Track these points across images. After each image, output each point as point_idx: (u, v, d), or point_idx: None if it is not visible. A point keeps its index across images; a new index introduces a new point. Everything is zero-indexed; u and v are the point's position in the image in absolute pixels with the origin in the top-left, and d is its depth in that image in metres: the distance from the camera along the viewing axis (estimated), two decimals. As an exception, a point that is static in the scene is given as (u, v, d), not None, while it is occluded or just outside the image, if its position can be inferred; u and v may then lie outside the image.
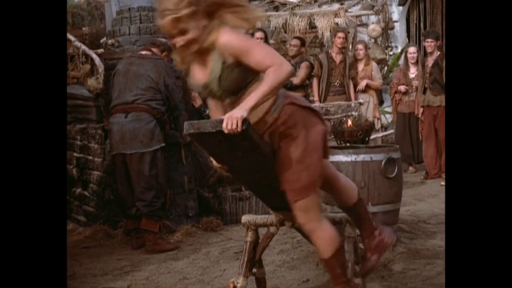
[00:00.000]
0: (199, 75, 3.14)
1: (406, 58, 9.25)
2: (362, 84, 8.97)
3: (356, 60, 9.20)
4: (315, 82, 8.89)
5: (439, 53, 8.39)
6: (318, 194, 3.25)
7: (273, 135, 3.17)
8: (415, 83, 8.92)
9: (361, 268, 3.69)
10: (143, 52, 5.85)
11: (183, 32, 2.98)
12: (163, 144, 5.70)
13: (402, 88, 9.02)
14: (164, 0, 2.99)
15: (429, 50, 8.55)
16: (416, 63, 9.01)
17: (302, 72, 8.84)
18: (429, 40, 8.55)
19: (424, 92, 8.50)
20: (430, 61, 8.49)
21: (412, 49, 9.17)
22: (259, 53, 3.00)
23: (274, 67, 2.97)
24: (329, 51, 9.05)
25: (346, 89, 8.86)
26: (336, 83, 8.82)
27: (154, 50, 5.84)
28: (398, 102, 9.17)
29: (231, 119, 2.86)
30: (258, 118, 3.10)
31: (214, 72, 3.05)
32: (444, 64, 7.99)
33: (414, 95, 8.94)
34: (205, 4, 2.99)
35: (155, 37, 6.09)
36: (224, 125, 2.87)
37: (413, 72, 9.05)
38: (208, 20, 3.02)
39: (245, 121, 2.87)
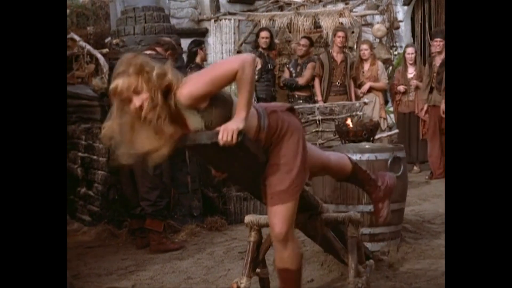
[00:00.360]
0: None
1: (404, 58, 9.28)
2: (365, 87, 8.98)
3: (361, 60, 9.19)
4: (317, 82, 8.88)
5: None
6: (296, 204, 3.25)
7: (270, 146, 3.20)
8: (413, 82, 8.98)
9: (376, 218, 3.85)
10: (148, 52, 5.83)
11: (137, 92, 2.96)
12: None
13: (401, 88, 9.07)
14: (117, 67, 3.05)
15: (437, 49, 8.56)
16: (415, 63, 9.06)
17: (308, 72, 8.85)
18: (437, 39, 8.56)
19: (431, 92, 8.50)
20: (438, 60, 8.48)
21: (410, 50, 9.20)
22: (219, 74, 2.97)
23: (240, 70, 2.94)
24: (330, 50, 9.03)
25: (347, 89, 8.84)
26: (337, 83, 8.81)
27: (159, 49, 5.84)
28: (398, 102, 9.20)
29: (227, 131, 2.88)
30: (252, 138, 3.12)
31: (197, 125, 3.00)
32: None
33: (413, 94, 8.99)
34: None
35: (160, 37, 6.09)
36: (220, 137, 2.88)
37: (411, 72, 9.12)
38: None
39: (240, 132, 2.87)
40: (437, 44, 8.55)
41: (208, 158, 3.25)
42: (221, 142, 2.89)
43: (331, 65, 8.79)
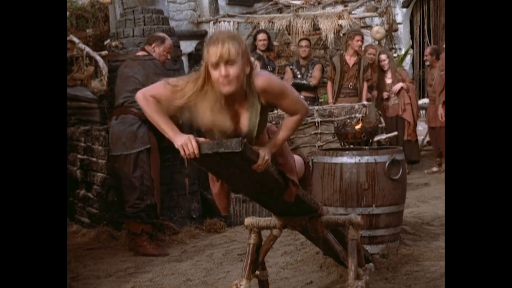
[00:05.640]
0: (228, 123, 3.12)
1: (379, 65, 9.37)
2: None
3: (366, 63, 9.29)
4: (329, 84, 8.90)
5: None
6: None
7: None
8: (394, 88, 9.21)
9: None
10: (138, 53, 5.88)
11: (231, 63, 2.97)
12: (148, 146, 5.63)
13: (384, 94, 9.28)
14: (220, 32, 3.13)
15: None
16: (389, 69, 9.18)
17: (317, 73, 8.87)
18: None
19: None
20: None
21: (382, 57, 9.35)
22: (292, 98, 3.19)
23: (300, 115, 3.24)
24: (343, 53, 9.01)
25: (358, 92, 8.82)
26: (349, 86, 8.79)
27: (148, 48, 5.83)
28: (386, 108, 9.30)
29: (267, 162, 3.07)
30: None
31: (253, 118, 3.13)
32: None
33: (396, 98, 9.21)
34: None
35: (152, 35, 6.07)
36: (259, 162, 3.03)
37: (389, 77, 9.21)
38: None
39: (242, 142, 2.89)
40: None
41: (208, 166, 3.25)
42: (257, 168, 3.05)
43: (343, 68, 8.78)
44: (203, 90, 3.02)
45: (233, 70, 2.96)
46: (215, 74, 2.97)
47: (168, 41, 5.89)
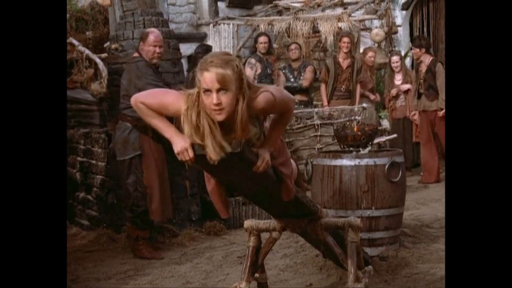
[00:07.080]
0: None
1: (390, 66, 9.39)
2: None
3: (367, 66, 9.28)
4: (323, 87, 8.92)
5: (431, 58, 8.49)
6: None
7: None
8: (404, 87, 9.19)
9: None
10: (134, 55, 5.82)
11: (224, 90, 2.78)
12: (139, 152, 5.54)
13: (393, 91, 9.25)
14: (214, 55, 2.90)
15: (415, 57, 8.73)
16: (401, 70, 9.19)
17: (309, 75, 8.89)
18: (412, 48, 8.76)
19: (419, 97, 8.60)
20: (423, 67, 8.55)
21: (395, 58, 9.38)
22: (286, 101, 3.06)
23: (290, 113, 3.13)
24: (337, 56, 9.04)
25: (352, 94, 8.85)
26: (342, 88, 8.82)
27: (139, 49, 5.65)
28: (393, 109, 9.30)
29: (267, 163, 3.02)
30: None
31: (252, 136, 2.97)
32: (436, 69, 8.19)
33: (404, 99, 9.23)
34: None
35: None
36: (259, 163, 2.99)
37: (398, 79, 9.25)
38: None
39: (241, 143, 2.87)
40: (414, 53, 8.72)
41: (207, 167, 3.24)
42: (257, 169, 3.00)
43: (336, 71, 8.80)
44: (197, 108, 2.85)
45: (225, 98, 2.79)
46: (207, 100, 2.79)
47: (153, 34, 5.59)
